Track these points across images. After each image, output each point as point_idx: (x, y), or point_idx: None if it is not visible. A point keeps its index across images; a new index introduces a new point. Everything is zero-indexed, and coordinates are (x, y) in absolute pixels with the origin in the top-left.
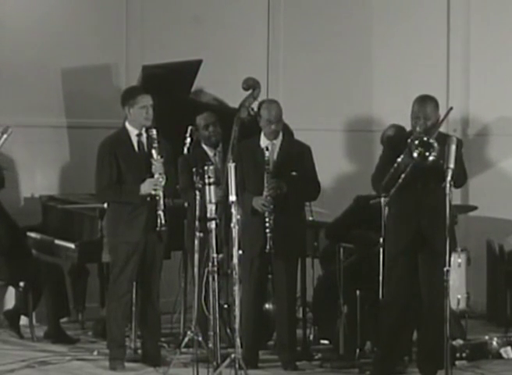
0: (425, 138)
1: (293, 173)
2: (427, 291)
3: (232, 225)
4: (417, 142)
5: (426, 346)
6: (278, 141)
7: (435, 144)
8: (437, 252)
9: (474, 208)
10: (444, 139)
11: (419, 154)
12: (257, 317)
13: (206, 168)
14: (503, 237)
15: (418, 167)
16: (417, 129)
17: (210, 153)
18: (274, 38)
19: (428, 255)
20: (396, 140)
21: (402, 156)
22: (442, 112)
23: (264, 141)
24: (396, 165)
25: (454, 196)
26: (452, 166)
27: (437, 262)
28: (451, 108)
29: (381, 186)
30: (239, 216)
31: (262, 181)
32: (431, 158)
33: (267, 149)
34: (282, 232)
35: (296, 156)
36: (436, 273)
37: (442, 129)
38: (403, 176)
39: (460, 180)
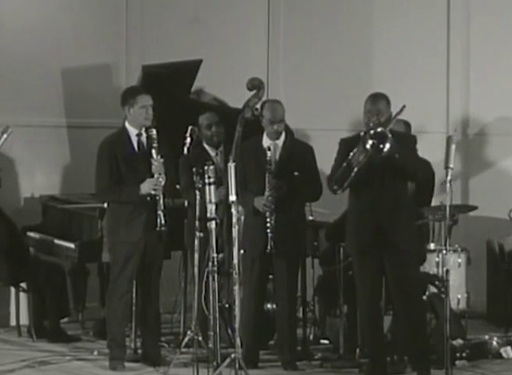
0: (379, 129)
1: (296, 173)
2: (395, 289)
3: (232, 225)
4: (371, 133)
5: (412, 345)
6: (280, 141)
7: (389, 136)
8: (400, 249)
9: (474, 208)
10: (399, 137)
11: (372, 146)
12: (257, 317)
13: (206, 168)
14: (503, 237)
15: (373, 163)
16: (370, 124)
17: (212, 153)
18: (274, 38)
19: (391, 252)
20: (350, 139)
21: (354, 151)
22: (442, 112)
23: (266, 141)
24: (347, 160)
25: (454, 196)
26: (452, 165)
27: (402, 259)
28: (404, 106)
29: (332, 185)
30: (243, 217)
31: (264, 181)
32: (385, 149)
33: (269, 149)
34: (283, 232)
35: (299, 156)
36: (403, 270)
37: (441, 129)
38: (353, 174)
39: (420, 175)
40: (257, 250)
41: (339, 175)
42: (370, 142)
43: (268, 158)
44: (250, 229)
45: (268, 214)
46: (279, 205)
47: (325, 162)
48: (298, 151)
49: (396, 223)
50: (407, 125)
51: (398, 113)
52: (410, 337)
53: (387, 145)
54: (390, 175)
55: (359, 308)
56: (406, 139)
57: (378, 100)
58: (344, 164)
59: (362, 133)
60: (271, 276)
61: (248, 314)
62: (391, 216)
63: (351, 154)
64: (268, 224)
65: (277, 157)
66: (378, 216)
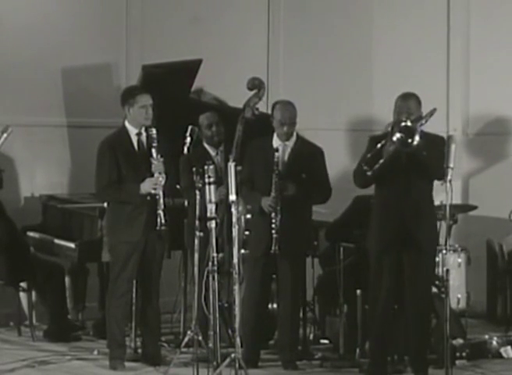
0: (408, 123)
1: (303, 175)
2: (411, 288)
3: (232, 224)
4: (400, 125)
5: (413, 343)
6: (290, 143)
7: (419, 130)
8: (421, 249)
9: (474, 207)
10: (428, 138)
11: (399, 139)
12: (259, 317)
13: (206, 167)
14: (503, 237)
15: (400, 159)
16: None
17: (212, 152)
18: (274, 38)
19: (412, 252)
20: (379, 137)
21: (384, 141)
22: (442, 112)
23: (276, 142)
24: (378, 147)
25: (454, 196)
26: (452, 165)
27: (421, 259)
28: (435, 109)
29: (360, 179)
30: (243, 216)
31: (271, 182)
32: (414, 143)
33: (277, 150)
34: (288, 233)
35: (308, 158)
36: (421, 270)
37: (442, 129)
38: (383, 160)
39: (441, 173)
40: (260, 250)
41: (371, 157)
42: (398, 135)
43: (275, 160)
44: (255, 228)
45: (273, 215)
46: (285, 206)
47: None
48: (307, 153)
49: (420, 222)
50: None
51: (428, 115)
52: (416, 336)
53: (416, 138)
54: (416, 173)
55: (370, 306)
56: (434, 139)
57: (408, 98)
58: (375, 151)
59: (389, 128)
60: (274, 276)
61: (249, 313)
62: (416, 215)
63: (382, 142)
64: (273, 225)
65: (285, 158)
66: (403, 215)
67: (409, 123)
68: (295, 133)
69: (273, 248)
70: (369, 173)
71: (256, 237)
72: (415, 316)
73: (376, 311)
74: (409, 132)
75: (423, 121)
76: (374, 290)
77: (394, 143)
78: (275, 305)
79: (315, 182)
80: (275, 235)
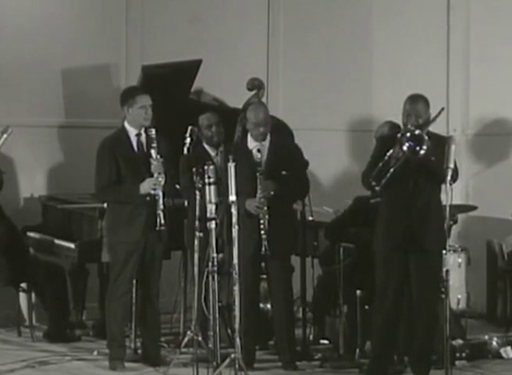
0: (416, 132)
1: (283, 173)
2: (418, 289)
3: (232, 225)
4: (408, 135)
5: (417, 345)
6: (266, 142)
7: (426, 138)
8: (427, 251)
9: (474, 208)
10: (435, 139)
11: (409, 148)
12: (251, 318)
13: (206, 168)
14: (503, 237)
15: (409, 165)
16: (409, 126)
17: (212, 153)
18: (274, 38)
19: (419, 253)
20: (388, 137)
21: (392, 150)
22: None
23: (251, 143)
24: (386, 158)
25: (454, 196)
26: (452, 165)
27: (428, 261)
28: (443, 109)
29: (370, 181)
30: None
31: (254, 183)
32: (421, 152)
33: (258, 151)
34: (276, 232)
35: (285, 155)
36: (427, 271)
37: (441, 129)
38: (391, 170)
39: (454, 177)
40: (248, 251)
41: (377, 173)
42: (406, 144)
43: (258, 160)
44: (242, 231)
45: (261, 215)
46: (270, 205)
47: (325, 161)
48: (284, 151)
49: (427, 224)
50: (394, 127)
51: (437, 116)
52: (420, 338)
53: (424, 147)
54: (424, 176)
55: (375, 307)
56: (442, 141)
57: (417, 101)
58: (382, 162)
59: (399, 135)
60: (264, 276)
61: (242, 315)
62: (423, 217)
63: (390, 151)
64: (262, 226)
65: (264, 158)
66: (410, 217)
67: (417, 132)
68: (269, 133)
69: (263, 248)
70: (377, 189)
71: (243, 239)
72: (420, 319)
73: (381, 312)
74: (418, 140)
75: (432, 122)
76: (380, 291)
77: (404, 153)
78: None
79: (295, 177)
80: (264, 236)
